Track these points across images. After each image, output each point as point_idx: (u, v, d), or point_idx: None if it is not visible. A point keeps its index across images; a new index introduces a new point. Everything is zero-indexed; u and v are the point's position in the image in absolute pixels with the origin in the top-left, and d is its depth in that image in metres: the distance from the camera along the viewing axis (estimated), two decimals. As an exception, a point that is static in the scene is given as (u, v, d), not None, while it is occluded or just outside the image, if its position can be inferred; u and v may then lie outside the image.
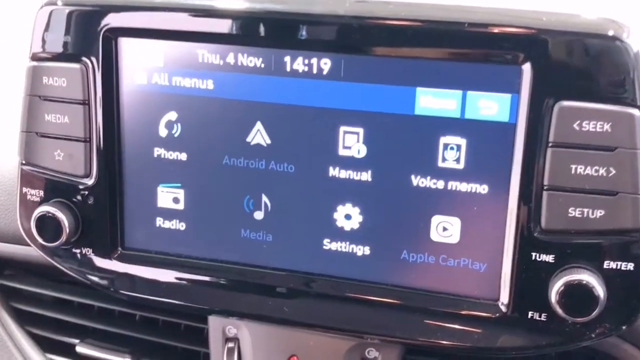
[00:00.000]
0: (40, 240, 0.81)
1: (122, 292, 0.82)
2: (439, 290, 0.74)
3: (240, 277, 0.78)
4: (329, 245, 0.76)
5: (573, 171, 0.66)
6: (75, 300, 0.94)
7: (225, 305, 0.79)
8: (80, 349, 0.89)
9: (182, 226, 0.80)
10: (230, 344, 0.82)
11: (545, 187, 0.67)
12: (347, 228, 0.75)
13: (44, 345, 0.94)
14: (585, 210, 0.67)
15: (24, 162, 0.82)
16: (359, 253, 0.76)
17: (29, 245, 0.85)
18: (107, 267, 0.82)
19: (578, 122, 0.65)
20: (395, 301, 0.75)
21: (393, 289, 0.75)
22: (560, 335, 0.69)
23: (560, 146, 0.66)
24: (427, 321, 0.74)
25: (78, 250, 0.82)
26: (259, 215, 0.78)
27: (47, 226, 0.80)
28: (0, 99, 0.95)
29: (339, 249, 0.76)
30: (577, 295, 0.67)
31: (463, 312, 0.73)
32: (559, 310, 0.68)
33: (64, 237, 0.80)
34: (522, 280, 0.70)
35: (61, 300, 0.95)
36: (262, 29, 0.72)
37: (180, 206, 0.80)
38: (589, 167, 0.66)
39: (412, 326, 0.74)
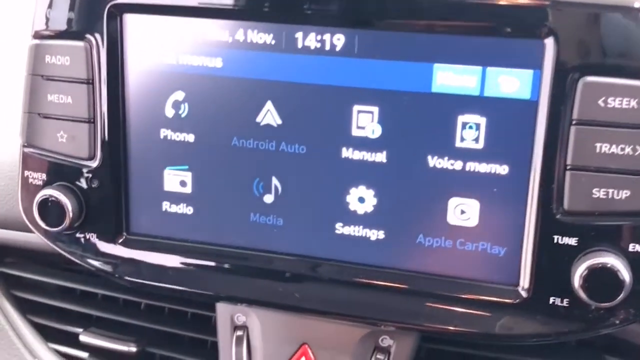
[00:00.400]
0: (42, 225, 0.79)
1: (127, 278, 0.79)
2: (456, 276, 0.71)
3: (250, 262, 0.76)
4: (341, 229, 0.74)
5: (598, 150, 0.64)
6: (79, 288, 0.91)
7: (233, 291, 0.77)
8: (84, 338, 0.87)
9: (189, 210, 0.78)
10: (239, 332, 0.80)
11: (568, 167, 0.65)
12: (361, 211, 0.73)
13: (47, 334, 0.91)
14: (610, 190, 0.64)
15: (25, 144, 0.79)
16: (373, 237, 0.73)
17: (30, 231, 0.83)
18: (111, 252, 0.79)
19: (603, 98, 0.63)
20: (410, 287, 0.72)
21: (408, 275, 0.72)
22: (582, 321, 0.67)
23: (584, 124, 0.63)
24: (444, 307, 0.71)
25: (81, 236, 0.80)
26: (269, 198, 0.75)
27: (50, 210, 0.78)
28: (1, 81, 0.92)
29: (352, 234, 0.74)
30: (601, 279, 0.64)
31: (481, 298, 0.70)
32: (582, 295, 0.65)
33: (67, 222, 0.78)
34: (544, 265, 0.67)
35: (64, 289, 0.92)
36: (272, 4, 0.70)
37: (188, 189, 0.77)
38: (614, 146, 0.63)
39: (428, 313, 0.72)
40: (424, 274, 0.72)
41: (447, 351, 0.79)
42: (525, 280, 0.68)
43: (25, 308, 0.93)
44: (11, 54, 0.92)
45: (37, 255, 0.92)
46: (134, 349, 0.85)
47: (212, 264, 0.77)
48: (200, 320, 0.86)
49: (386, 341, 0.76)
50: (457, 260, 0.71)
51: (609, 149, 0.63)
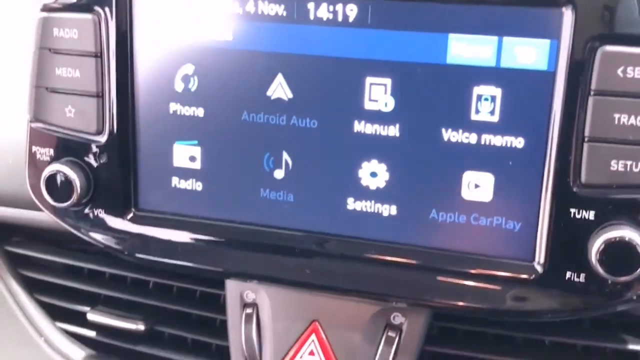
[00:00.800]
0: (50, 200, 0.78)
1: (136, 255, 0.78)
2: (470, 252, 0.70)
3: (260, 238, 0.75)
4: (353, 205, 0.73)
5: (616, 121, 0.62)
6: (86, 267, 0.90)
7: (243, 268, 0.76)
8: (92, 316, 0.86)
9: (198, 186, 0.77)
10: (249, 310, 0.79)
11: (586, 139, 0.63)
12: (373, 187, 0.72)
13: (54, 313, 0.90)
14: (629, 163, 0.63)
15: (33, 119, 0.78)
16: (385, 213, 0.72)
17: (38, 209, 0.82)
18: (119, 228, 0.78)
19: (622, 68, 0.61)
20: (422, 263, 0.71)
21: (421, 251, 0.71)
22: (599, 296, 0.66)
23: (602, 94, 0.62)
24: (457, 283, 0.70)
25: (89, 212, 0.79)
26: (279, 174, 0.74)
27: (57, 186, 0.77)
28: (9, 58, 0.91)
29: (364, 209, 0.72)
30: (618, 253, 0.63)
31: (495, 274, 0.69)
32: (599, 270, 0.64)
33: (74, 198, 0.77)
34: (560, 239, 0.66)
35: (71, 268, 0.91)
36: (284, -26, 0.69)
37: (197, 165, 0.76)
38: (633, 117, 0.62)
39: (441, 289, 0.71)
40: (437, 250, 0.71)
41: (459, 330, 0.78)
42: (540, 256, 0.67)
43: (32, 287, 0.92)
44: (18, 29, 0.91)
45: (44, 234, 0.91)
46: (142, 327, 0.84)
47: (222, 240, 0.76)
48: (209, 299, 0.85)
49: (398, 319, 0.75)
50: (471, 236, 0.70)
51: (628, 120, 0.62)
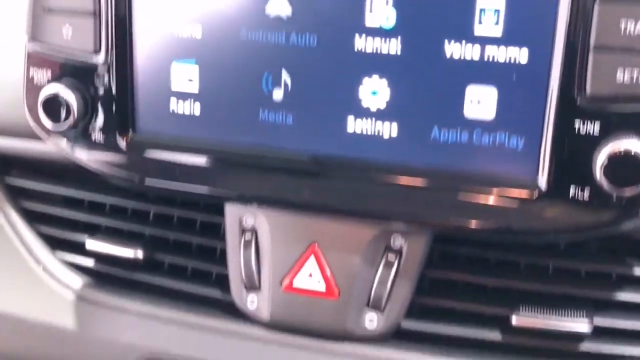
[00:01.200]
0: (47, 123, 0.77)
1: (134, 179, 0.77)
2: (472, 171, 0.69)
3: (259, 160, 0.73)
4: (353, 126, 0.71)
5: (622, 30, 0.60)
6: (86, 199, 0.89)
7: (242, 189, 0.75)
8: (90, 244, 0.85)
9: (197, 107, 0.75)
10: (248, 235, 0.78)
11: (591, 48, 0.61)
12: (374, 108, 0.70)
13: (53, 244, 0.90)
14: (635, 74, 0.61)
15: (30, 40, 0.77)
16: (386, 134, 0.70)
17: (37, 138, 0.81)
18: (117, 151, 0.77)
19: (629, -27, 0.59)
20: (423, 184, 0.69)
21: (422, 171, 0.70)
22: (604, 213, 0.64)
23: (608, 1, 0.60)
24: (458, 203, 0.68)
25: (87, 134, 0.78)
26: (278, 94, 0.72)
27: (55, 108, 0.76)
28: None
29: (365, 131, 0.71)
30: (624, 166, 0.61)
31: (498, 192, 0.67)
32: (604, 184, 0.62)
33: (71, 120, 0.75)
34: (564, 154, 0.64)
35: (71, 200, 0.91)
36: None
37: (195, 85, 0.74)
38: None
39: (442, 209, 0.69)
40: (438, 170, 0.69)
41: (461, 256, 0.76)
42: (544, 172, 0.66)
43: (32, 219, 0.91)
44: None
45: (43, 166, 0.90)
46: (140, 255, 0.83)
47: (221, 162, 0.75)
48: (209, 228, 0.84)
49: (398, 242, 0.74)
50: (473, 155, 0.68)
51: (634, 28, 0.60)
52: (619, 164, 0.61)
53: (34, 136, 0.82)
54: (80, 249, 0.87)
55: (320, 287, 0.75)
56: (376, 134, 0.71)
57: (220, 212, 0.79)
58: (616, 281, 0.73)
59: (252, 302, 0.78)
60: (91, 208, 0.89)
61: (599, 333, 0.71)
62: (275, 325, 0.77)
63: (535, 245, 0.74)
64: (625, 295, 0.72)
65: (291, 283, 0.76)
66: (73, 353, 0.84)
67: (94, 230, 0.88)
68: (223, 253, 0.81)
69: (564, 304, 0.71)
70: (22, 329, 0.86)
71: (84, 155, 0.78)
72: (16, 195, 0.92)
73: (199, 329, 0.81)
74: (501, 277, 0.74)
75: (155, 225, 0.86)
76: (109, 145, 0.77)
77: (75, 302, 0.85)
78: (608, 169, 0.62)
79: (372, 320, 0.75)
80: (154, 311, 0.83)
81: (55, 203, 0.91)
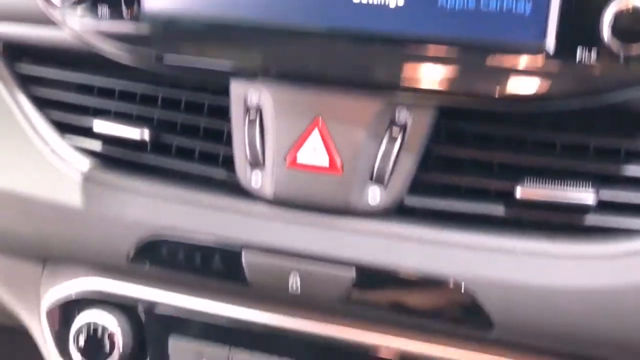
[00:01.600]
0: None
1: (142, 54, 0.77)
2: (480, 37, 0.67)
3: (263, 34, 0.73)
4: (359, -5, 0.70)
5: None
6: (96, 84, 0.89)
7: (248, 62, 0.74)
8: (98, 125, 0.85)
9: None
10: (252, 113, 0.77)
11: None
12: (380, -25, 0.69)
13: (62, 128, 0.90)
14: None
15: None
16: (392, 3, 0.69)
17: (47, 24, 0.81)
18: (125, 28, 0.77)
19: None
20: (429, 52, 0.68)
21: (428, 39, 0.69)
22: (612, 75, 0.63)
23: None
24: (464, 70, 0.68)
25: (94, 11, 0.77)
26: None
27: (60, -19, 0.76)
28: None
29: (370, 0, 0.70)
30: (632, 22, 0.60)
31: (505, 58, 0.66)
32: (611, 43, 0.61)
33: (78, -8, 0.75)
34: (571, 14, 0.63)
35: (81, 86, 0.91)
36: None
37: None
38: None
39: (447, 77, 0.68)
40: (445, 38, 0.68)
41: (468, 134, 0.75)
42: (551, 36, 0.64)
43: (42, 104, 0.91)
44: None
45: (53, 53, 0.90)
46: (147, 136, 0.83)
47: (225, 34, 0.74)
48: (217, 110, 0.83)
49: (402, 116, 0.73)
50: (480, 22, 0.67)
51: None
52: (627, 20, 0.60)
53: (44, 22, 0.82)
54: (89, 133, 0.88)
55: (324, 161, 0.75)
56: (382, 2, 0.69)
57: (228, 94, 0.79)
58: (625, 156, 0.71)
59: (256, 180, 0.78)
60: (100, 93, 0.89)
61: (605, 206, 0.70)
62: (278, 202, 0.77)
63: (543, 118, 0.72)
64: (635, 169, 0.70)
65: (295, 158, 0.75)
66: (79, 230, 0.85)
67: (103, 115, 0.88)
68: (230, 136, 0.80)
69: (570, 178, 0.70)
70: (30, 208, 0.87)
71: (90, 34, 0.79)
72: (26, 82, 0.92)
73: (204, 207, 0.81)
74: (508, 153, 0.73)
75: (163, 108, 0.85)
76: (116, 20, 0.77)
77: (83, 182, 0.85)
78: (615, 26, 0.60)
79: (375, 195, 0.75)
80: (160, 190, 0.83)
81: (65, 89, 0.91)
